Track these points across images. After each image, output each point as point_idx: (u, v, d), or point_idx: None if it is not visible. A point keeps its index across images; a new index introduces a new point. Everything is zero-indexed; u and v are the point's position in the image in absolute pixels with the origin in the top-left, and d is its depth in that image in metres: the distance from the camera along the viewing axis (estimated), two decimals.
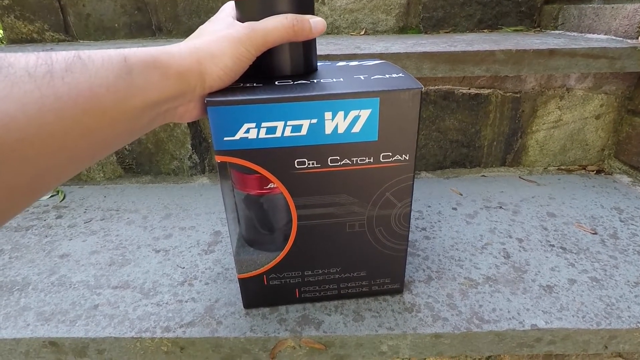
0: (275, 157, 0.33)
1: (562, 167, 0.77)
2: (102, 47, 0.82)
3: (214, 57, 0.30)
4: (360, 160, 0.34)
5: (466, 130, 0.74)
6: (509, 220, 0.60)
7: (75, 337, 0.41)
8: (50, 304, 0.46)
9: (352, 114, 0.32)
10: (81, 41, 1.01)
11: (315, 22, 0.33)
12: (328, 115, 0.32)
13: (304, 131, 0.32)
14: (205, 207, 0.67)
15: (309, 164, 0.34)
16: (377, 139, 0.34)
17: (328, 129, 0.33)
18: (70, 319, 0.43)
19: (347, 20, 1.00)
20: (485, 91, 0.71)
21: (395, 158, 0.35)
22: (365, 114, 0.32)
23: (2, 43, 1.19)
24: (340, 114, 0.32)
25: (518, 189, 0.70)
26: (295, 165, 0.34)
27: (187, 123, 0.73)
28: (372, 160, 0.35)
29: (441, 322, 0.41)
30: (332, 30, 1.01)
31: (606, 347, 0.42)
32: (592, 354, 0.46)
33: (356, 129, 0.33)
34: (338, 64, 0.42)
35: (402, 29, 1.00)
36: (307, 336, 0.40)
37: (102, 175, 0.79)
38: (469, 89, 0.71)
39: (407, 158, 0.35)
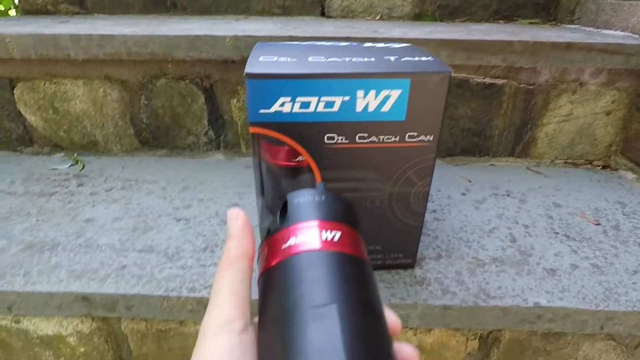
0: (307, 131, 0.35)
1: (569, 161, 0.79)
2: (116, 22, 0.83)
3: None
4: (386, 139, 0.36)
5: (478, 119, 0.76)
6: (516, 207, 0.62)
7: (106, 294, 0.44)
8: (80, 263, 0.48)
9: (383, 93, 0.34)
10: (96, 15, 1.02)
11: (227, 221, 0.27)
12: (360, 93, 0.34)
13: (336, 107, 0.34)
14: (222, 181, 0.69)
15: (338, 139, 0.36)
16: (404, 118, 0.36)
17: (359, 107, 0.34)
18: (100, 277, 0.46)
19: (362, 4, 1.00)
20: (500, 81, 0.72)
21: (419, 138, 0.37)
22: (395, 94, 0.34)
23: (17, 13, 1.19)
24: (372, 92, 0.34)
25: (526, 179, 0.72)
26: (325, 140, 0.36)
27: (205, 99, 0.75)
28: (397, 139, 0.37)
29: (450, 295, 0.44)
30: (347, 13, 1.02)
31: (602, 327, 0.45)
32: (587, 334, 0.49)
33: (385, 108, 0.35)
34: (365, 45, 0.44)
35: (418, 16, 1.01)
36: None
37: (119, 147, 0.80)
38: (484, 78, 0.72)
39: (431, 139, 0.37)
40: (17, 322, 0.50)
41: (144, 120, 0.77)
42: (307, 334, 0.18)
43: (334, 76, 0.33)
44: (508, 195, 0.66)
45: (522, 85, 0.72)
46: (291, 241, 0.23)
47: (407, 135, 0.37)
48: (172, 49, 0.65)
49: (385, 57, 0.37)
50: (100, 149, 0.80)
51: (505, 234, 0.55)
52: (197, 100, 0.74)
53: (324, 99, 0.34)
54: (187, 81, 0.72)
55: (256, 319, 0.23)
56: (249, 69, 0.32)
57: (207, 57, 0.66)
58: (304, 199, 0.26)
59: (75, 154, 0.77)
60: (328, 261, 0.22)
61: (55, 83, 0.71)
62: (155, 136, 0.80)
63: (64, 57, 0.65)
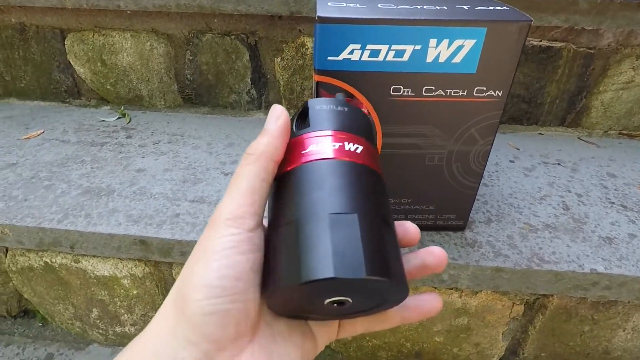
0: (373, 81, 0.34)
1: (624, 132, 0.75)
2: None
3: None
4: (454, 93, 0.35)
5: (530, 85, 0.72)
6: (568, 176, 0.60)
7: (163, 238, 0.46)
8: (136, 209, 0.50)
9: (457, 43, 0.33)
10: None
11: (267, 118, 0.24)
12: (432, 42, 0.32)
13: (406, 57, 0.33)
14: None
15: (404, 91, 0.35)
16: (475, 71, 0.34)
17: (430, 57, 0.33)
18: (157, 222, 0.48)
19: None
20: (558, 44, 0.68)
21: (488, 93, 0.35)
22: (469, 44, 0.33)
23: None
24: (445, 42, 0.32)
25: (577, 149, 0.69)
26: (391, 92, 0.35)
27: (249, 56, 0.74)
28: (465, 93, 0.35)
29: (502, 258, 0.43)
30: None
31: None
32: (639, 305, 0.48)
33: (457, 59, 0.33)
34: None
35: None
36: None
37: (163, 103, 0.81)
38: (541, 40, 0.68)
39: (500, 94, 0.36)
40: (77, 261, 0.53)
41: (188, 76, 0.77)
42: (327, 238, 0.18)
43: (409, 22, 0.31)
44: (559, 164, 0.64)
45: (581, 49, 0.68)
46: (312, 148, 0.22)
47: (475, 89, 0.35)
48: (220, 2, 0.64)
49: (458, 6, 0.35)
50: (144, 104, 0.81)
51: (557, 202, 0.53)
52: (241, 57, 0.74)
53: (395, 47, 0.33)
54: (233, 37, 0.72)
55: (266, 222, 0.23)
56: (321, 12, 0.32)
57: (254, 11, 0.65)
58: (326, 107, 0.25)
59: (122, 108, 0.78)
60: (351, 171, 0.21)
61: (103, 35, 0.72)
62: (197, 93, 0.80)
63: (114, 8, 0.65)
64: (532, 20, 0.32)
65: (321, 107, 0.24)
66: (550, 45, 0.68)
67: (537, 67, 0.70)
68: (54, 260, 0.53)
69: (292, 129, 0.24)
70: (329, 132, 0.23)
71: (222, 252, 0.20)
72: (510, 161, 0.64)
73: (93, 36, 0.73)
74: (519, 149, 0.68)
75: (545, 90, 0.73)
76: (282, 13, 0.65)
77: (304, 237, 0.19)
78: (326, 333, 0.25)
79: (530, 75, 0.71)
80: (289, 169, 0.22)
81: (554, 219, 0.50)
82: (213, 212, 0.22)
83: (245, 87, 0.78)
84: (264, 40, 0.72)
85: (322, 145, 0.22)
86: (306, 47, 0.70)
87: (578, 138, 0.73)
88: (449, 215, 0.45)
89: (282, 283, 0.19)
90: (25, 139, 0.66)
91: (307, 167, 0.21)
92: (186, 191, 0.54)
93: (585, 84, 0.71)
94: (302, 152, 0.22)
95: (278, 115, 0.23)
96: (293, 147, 0.23)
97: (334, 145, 0.22)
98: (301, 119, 0.25)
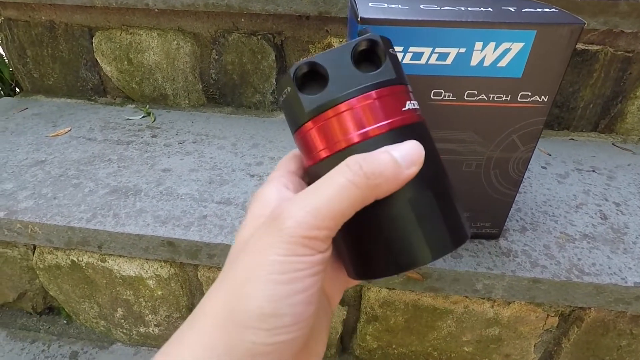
0: (413, 85, 0.33)
1: None
2: None
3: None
4: (497, 98, 0.34)
5: (563, 89, 0.70)
6: (604, 184, 0.58)
7: (191, 240, 0.45)
8: (163, 209, 0.50)
9: (504, 46, 0.31)
10: None
11: (404, 154, 0.18)
12: (478, 45, 0.31)
13: (449, 60, 0.32)
14: (291, 141, 0.68)
15: (445, 95, 0.34)
16: (520, 76, 0.33)
17: (474, 61, 0.32)
18: (184, 224, 0.47)
19: None
20: (594, 47, 0.66)
21: (533, 99, 0.34)
22: (517, 47, 0.31)
23: None
24: (492, 45, 0.31)
25: (611, 156, 0.66)
26: (431, 96, 0.34)
27: (275, 57, 0.73)
28: (509, 98, 0.34)
29: (540, 268, 0.42)
30: None
31: None
32: None
33: (503, 63, 0.32)
34: None
35: None
36: None
37: (187, 102, 0.81)
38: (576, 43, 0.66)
39: (546, 100, 0.34)
40: (103, 261, 0.53)
41: (213, 76, 0.77)
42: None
43: (455, 25, 0.30)
44: (593, 171, 0.62)
45: (619, 53, 0.66)
46: (410, 105, 0.21)
47: (519, 94, 0.34)
48: (248, 2, 0.64)
49: (504, 8, 0.34)
50: (169, 103, 0.81)
51: (594, 211, 0.51)
52: (267, 57, 0.73)
53: (439, 50, 0.31)
54: (259, 37, 0.71)
55: None
56: (363, 13, 0.31)
57: (283, 11, 0.64)
58: (395, 52, 0.23)
59: (147, 106, 0.78)
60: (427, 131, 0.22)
61: (131, 33, 0.72)
62: (222, 93, 0.80)
63: (142, 7, 0.66)
64: (584, 23, 0.30)
65: (395, 53, 0.22)
66: (586, 48, 0.66)
67: (572, 70, 0.68)
68: (80, 258, 0.54)
69: (355, 71, 0.20)
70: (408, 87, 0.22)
71: (293, 274, 0.17)
72: (542, 167, 0.62)
73: (120, 34, 0.73)
74: (550, 155, 0.66)
75: (579, 94, 0.70)
76: (310, 13, 0.64)
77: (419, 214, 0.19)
78: (339, 292, 0.24)
79: (564, 79, 0.69)
80: (403, 123, 0.20)
81: (592, 228, 0.48)
82: (274, 213, 0.18)
83: (270, 87, 0.78)
84: (290, 41, 0.71)
85: (414, 102, 0.22)
86: (333, 47, 0.69)
87: (612, 144, 0.71)
88: (483, 223, 0.43)
89: (408, 263, 0.19)
90: (53, 136, 0.67)
91: (420, 127, 0.22)
92: (213, 192, 0.53)
93: (621, 88, 0.69)
94: (402, 110, 0.20)
95: (415, 161, 0.18)
96: (394, 95, 0.20)
97: (416, 105, 0.22)
98: (372, 62, 0.21)
